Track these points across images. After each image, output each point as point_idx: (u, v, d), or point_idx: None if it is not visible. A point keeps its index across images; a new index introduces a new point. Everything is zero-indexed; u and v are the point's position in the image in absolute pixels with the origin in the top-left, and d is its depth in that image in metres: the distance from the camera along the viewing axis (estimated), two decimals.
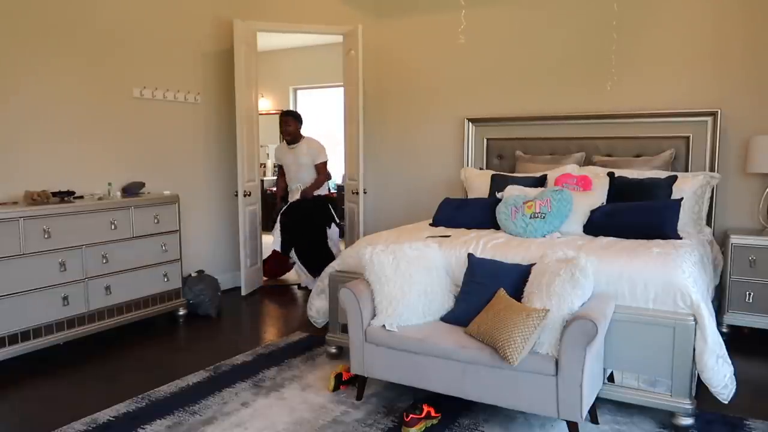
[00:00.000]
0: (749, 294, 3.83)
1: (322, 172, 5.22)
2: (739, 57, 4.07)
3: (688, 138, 4.20)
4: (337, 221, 5.39)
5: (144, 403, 3.00)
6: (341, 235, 5.63)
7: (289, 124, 5.18)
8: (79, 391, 3.21)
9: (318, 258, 5.07)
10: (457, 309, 2.94)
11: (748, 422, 2.75)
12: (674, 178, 3.80)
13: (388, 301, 2.87)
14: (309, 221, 5.17)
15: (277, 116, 9.93)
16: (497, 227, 3.66)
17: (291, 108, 9.42)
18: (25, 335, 3.51)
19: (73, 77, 4.15)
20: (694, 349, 2.60)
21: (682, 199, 3.57)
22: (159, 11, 4.73)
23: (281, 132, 5.22)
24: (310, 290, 5.14)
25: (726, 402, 2.67)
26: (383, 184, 5.51)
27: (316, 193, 5.21)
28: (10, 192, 3.74)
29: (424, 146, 5.30)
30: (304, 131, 5.33)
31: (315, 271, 5.03)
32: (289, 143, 5.20)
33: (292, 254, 5.20)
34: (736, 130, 4.10)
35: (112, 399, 3.04)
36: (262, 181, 8.26)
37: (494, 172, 4.52)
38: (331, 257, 5.04)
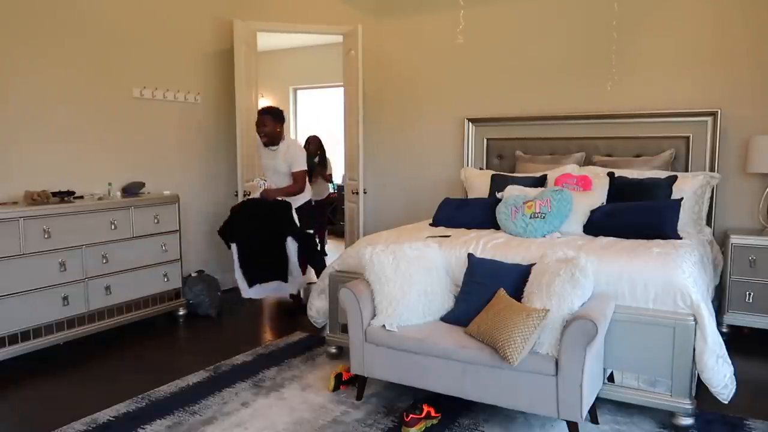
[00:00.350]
0: (749, 294, 3.83)
1: (298, 180, 4.54)
2: (739, 57, 4.07)
3: (688, 138, 4.20)
4: (309, 233, 4.60)
5: (144, 403, 3.00)
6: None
7: (266, 123, 4.47)
8: (79, 391, 3.21)
9: (264, 264, 4.34)
10: (457, 309, 2.94)
11: (748, 422, 2.75)
12: (674, 178, 3.80)
13: (388, 301, 2.87)
14: (264, 222, 4.34)
15: None
16: (497, 227, 3.66)
17: (291, 108, 9.39)
18: (25, 335, 3.51)
19: (73, 77, 4.15)
20: (694, 349, 2.60)
21: (682, 199, 3.57)
22: (159, 11, 4.73)
23: (257, 132, 4.53)
24: (246, 298, 4.49)
25: (726, 402, 2.67)
26: (383, 184, 5.51)
27: (282, 198, 4.46)
28: (10, 192, 3.74)
29: (424, 146, 5.29)
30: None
31: (256, 276, 4.35)
32: (266, 145, 4.54)
33: (233, 251, 4.38)
34: (736, 130, 4.09)
35: (112, 399, 3.04)
36: None
37: (494, 172, 4.52)
38: (283, 269, 4.36)
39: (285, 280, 4.39)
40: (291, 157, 4.51)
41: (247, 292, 4.40)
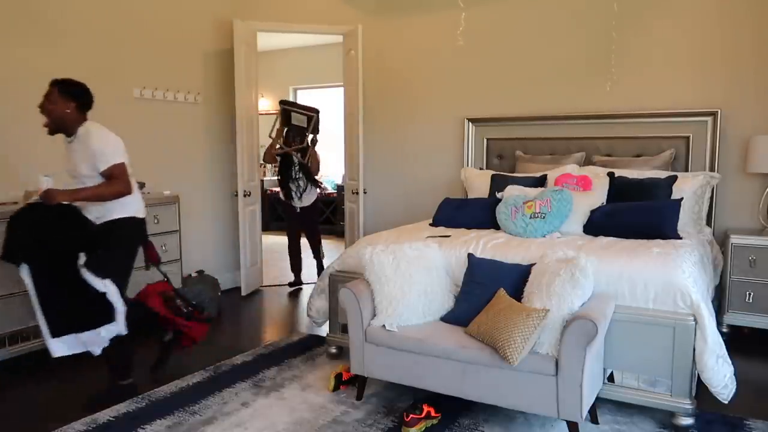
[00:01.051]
0: (749, 294, 3.83)
1: (115, 177, 2.94)
2: (739, 57, 4.06)
3: (688, 138, 4.20)
4: (119, 259, 3.13)
5: (144, 403, 3.00)
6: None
7: (50, 98, 2.92)
8: (80, 390, 3.21)
9: (68, 303, 2.88)
10: (457, 309, 2.94)
11: (748, 422, 2.75)
12: (674, 178, 3.80)
13: (388, 301, 2.87)
14: (53, 237, 2.88)
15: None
16: (497, 227, 3.66)
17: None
18: (25, 335, 3.51)
19: (74, 77, 4.13)
20: (694, 349, 2.60)
21: (682, 199, 3.57)
22: (159, 11, 4.73)
23: (40, 111, 2.97)
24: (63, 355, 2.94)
25: (726, 402, 2.67)
26: (383, 184, 5.51)
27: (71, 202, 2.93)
28: (10, 192, 3.74)
29: (424, 146, 5.29)
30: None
31: (62, 324, 2.88)
32: (50, 132, 3.02)
33: (25, 278, 2.85)
34: (736, 130, 4.10)
35: (112, 399, 3.04)
36: (262, 181, 8.27)
37: (494, 172, 4.52)
38: (96, 315, 2.92)
39: (111, 319, 2.98)
40: (91, 151, 2.91)
41: (53, 345, 2.87)
